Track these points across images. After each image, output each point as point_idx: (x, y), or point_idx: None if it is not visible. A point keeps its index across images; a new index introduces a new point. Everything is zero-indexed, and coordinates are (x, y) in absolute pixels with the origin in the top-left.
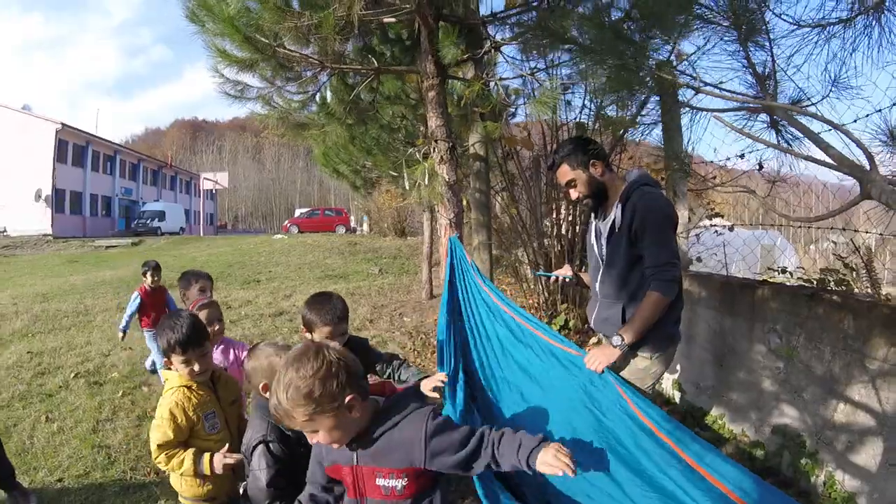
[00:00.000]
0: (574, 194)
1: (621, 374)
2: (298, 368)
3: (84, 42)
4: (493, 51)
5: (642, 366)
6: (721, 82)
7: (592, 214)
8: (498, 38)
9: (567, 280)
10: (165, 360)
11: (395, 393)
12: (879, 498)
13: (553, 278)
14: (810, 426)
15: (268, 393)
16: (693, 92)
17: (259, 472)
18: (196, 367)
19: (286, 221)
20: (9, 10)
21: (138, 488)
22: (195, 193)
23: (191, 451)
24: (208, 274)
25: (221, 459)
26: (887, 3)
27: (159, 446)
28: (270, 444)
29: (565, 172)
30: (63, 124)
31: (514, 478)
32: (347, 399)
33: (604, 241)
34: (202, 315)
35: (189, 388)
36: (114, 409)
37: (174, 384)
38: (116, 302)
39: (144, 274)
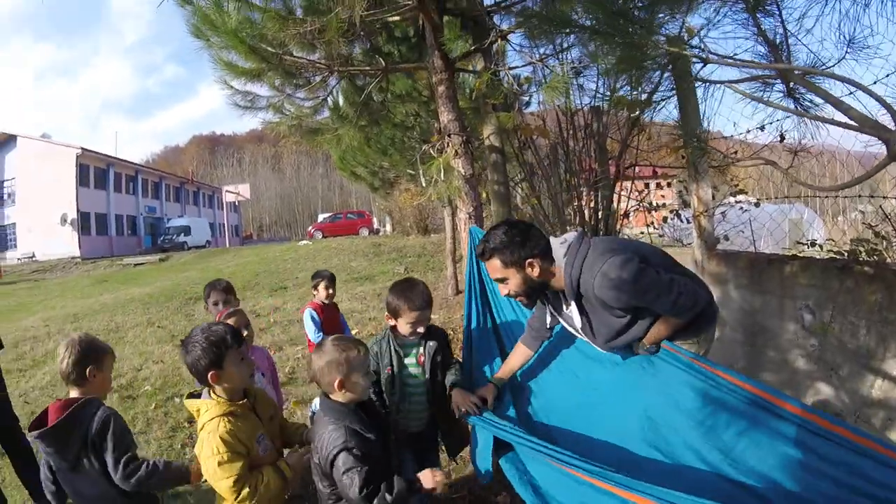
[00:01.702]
0: (504, 291)
1: None
2: None
3: (98, 65)
4: (500, 40)
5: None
6: (734, 55)
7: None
8: (504, 27)
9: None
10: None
11: None
12: None
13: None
14: (848, 404)
15: (343, 390)
16: (702, 64)
17: (349, 478)
18: (246, 367)
19: (310, 227)
20: (22, 39)
21: (171, 499)
22: (218, 206)
23: (267, 467)
24: (226, 285)
25: (299, 458)
26: None
27: (237, 481)
28: (353, 450)
29: (496, 268)
30: (83, 149)
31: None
32: None
33: (577, 327)
34: (230, 322)
35: (232, 414)
36: (147, 422)
37: (214, 413)
38: (146, 318)
39: (316, 287)
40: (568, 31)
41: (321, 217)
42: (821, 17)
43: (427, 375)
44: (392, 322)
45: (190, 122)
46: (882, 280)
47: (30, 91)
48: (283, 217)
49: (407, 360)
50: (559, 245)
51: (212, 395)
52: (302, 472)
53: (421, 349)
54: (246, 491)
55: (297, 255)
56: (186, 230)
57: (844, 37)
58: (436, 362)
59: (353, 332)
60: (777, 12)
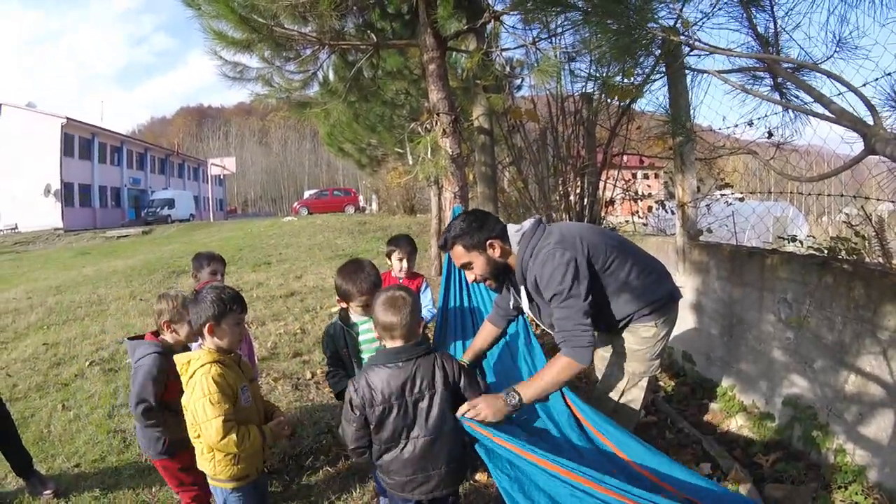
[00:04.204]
0: (471, 277)
1: (626, 346)
2: None
3: (86, 34)
4: (493, 21)
5: (649, 334)
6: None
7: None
8: (498, 7)
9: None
10: (197, 333)
11: None
12: (891, 472)
13: None
14: (821, 397)
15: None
16: (689, 50)
17: None
18: (240, 332)
19: (296, 203)
20: (10, 7)
21: (153, 470)
22: (203, 180)
23: (251, 425)
24: (221, 256)
25: (277, 424)
26: None
27: (225, 421)
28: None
29: (459, 254)
30: (68, 118)
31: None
32: None
33: (526, 308)
34: None
35: (221, 363)
36: (129, 395)
37: (205, 360)
38: (129, 290)
39: (389, 255)
40: (560, 9)
41: (307, 193)
42: (809, 13)
43: None
44: (343, 305)
45: (178, 93)
46: (860, 278)
47: (16, 59)
48: (268, 192)
49: (363, 337)
50: (514, 232)
51: (203, 347)
52: (279, 441)
53: None
54: (233, 436)
55: (282, 231)
56: (170, 203)
57: (833, 35)
58: None
59: (335, 309)
60: (769, 7)
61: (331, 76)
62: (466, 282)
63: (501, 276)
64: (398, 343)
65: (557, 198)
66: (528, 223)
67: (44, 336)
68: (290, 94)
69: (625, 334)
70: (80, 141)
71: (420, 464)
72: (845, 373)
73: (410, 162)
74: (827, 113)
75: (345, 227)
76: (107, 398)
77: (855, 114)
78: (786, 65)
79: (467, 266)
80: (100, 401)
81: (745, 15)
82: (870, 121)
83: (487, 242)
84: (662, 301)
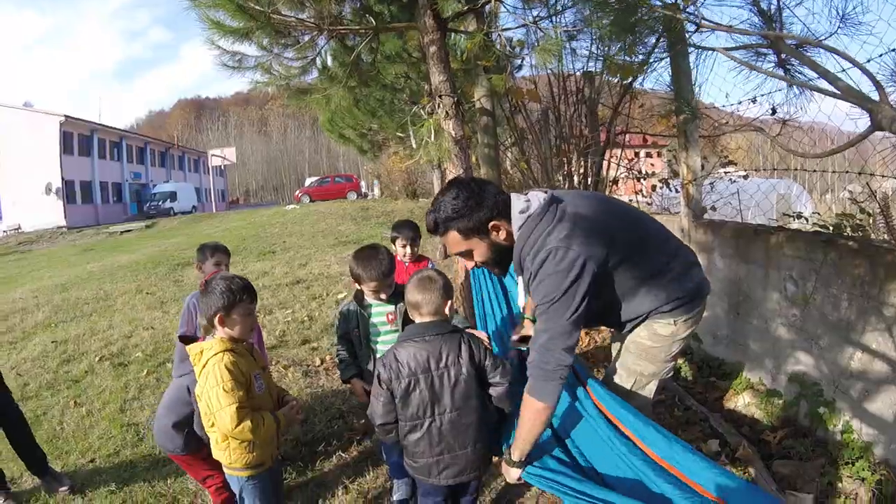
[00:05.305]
0: (470, 264)
1: (638, 340)
2: None
3: (82, 31)
4: (493, 1)
5: (667, 332)
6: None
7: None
8: None
9: None
10: (208, 324)
11: None
12: None
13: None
14: (827, 374)
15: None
16: (694, 29)
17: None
18: (251, 322)
19: (297, 191)
20: (5, 8)
21: (167, 462)
22: (204, 171)
23: (265, 412)
24: (226, 247)
25: (289, 410)
26: None
27: (239, 409)
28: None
29: (455, 241)
30: (66, 116)
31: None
32: None
33: (522, 294)
34: None
35: (233, 351)
36: (140, 388)
37: (217, 349)
38: (135, 285)
39: (394, 241)
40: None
41: (309, 181)
42: None
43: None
44: (357, 286)
45: (175, 86)
46: (865, 255)
47: (11, 60)
48: (269, 181)
49: (374, 320)
50: (518, 213)
51: (215, 336)
52: (293, 426)
53: (392, 308)
54: (248, 423)
55: (285, 220)
56: (172, 196)
57: (837, 11)
58: (409, 320)
59: (342, 296)
60: None
61: (329, 62)
62: (496, 291)
63: (502, 264)
64: (426, 319)
65: (561, 178)
66: (535, 202)
67: (52, 334)
68: (289, 82)
69: (637, 327)
70: (79, 138)
71: (447, 442)
72: (850, 350)
73: (414, 146)
74: (832, 89)
75: (347, 213)
76: (118, 392)
77: (860, 90)
78: (790, 41)
79: (466, 254)
80: (111, 395)
81: None
82: (875, 97)
83: (491, 224)
84: (687, 298)
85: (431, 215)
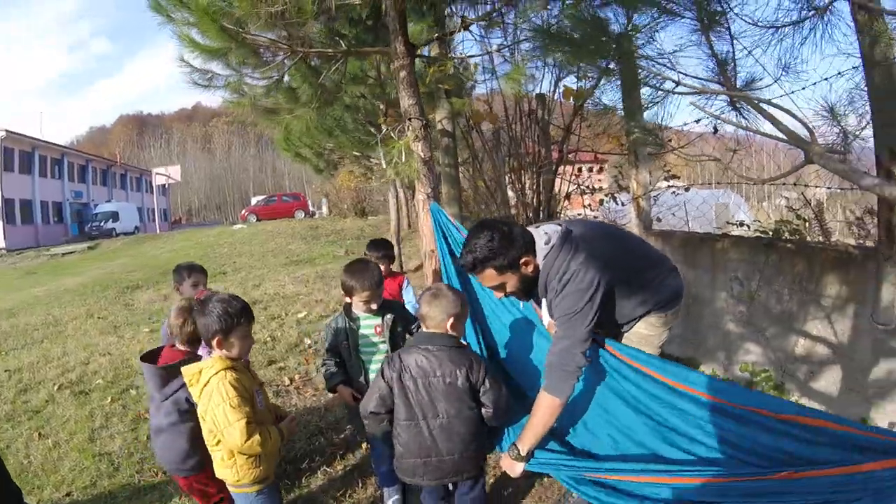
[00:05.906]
0: (499, 294)
1: (636, 331)
2: None
3: (20, 41)
4: (463, 30)
5: (659, 322)
6: (686, 68)
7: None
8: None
9: None
10: (208, 346)
11: None
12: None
13: None
14: (774, 361)
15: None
16: (648, 75)
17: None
18: (248, 342)
19: (244, 210)
20: None
21: (149, 490)
22: (147, 190)
23: (270, 426)
24: (201, 266)
25: (289, 422)
26: (830, 7)
27: (248, 423)
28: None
29: (490, 277)
30: (7, 131)
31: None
32: None
33: (545, 317)
34: None
35: (234, 368)
36: (106, 416)
37: (219, 367)
38: (85, 309)
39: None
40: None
41: (255, 200)
42: (767, 50)
43: (387, 345)
44: (348, 300)
45: (117, 100)
46: (803, 255)
47: None
48: (213, 200)
49: (363, 332)
50: (543, 245)
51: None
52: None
53: (379, 320)
54: (257, 437)
55: (234, 240)
56: (115, 216)
57: (783, 63)
58: (396, 331)
59: (301, 315)
60: (728, 36)
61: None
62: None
63: (530, 294)
64: (431, 331)
65: (513, 193)
66: (555, 235)
67: (3, 362)
68: (255, 102)
69: (634, 325)
70: (20, 154)
71: (435, 447)
72: (794, 337)
73: (385, 165)
74: (776, 133)
75: (296, 232)
76: (84, 422)
77: (795, 132)
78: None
79: (498, 287)
80: (77, 425)
81: (703, 39)
82: (808, 137)
83: (522, 262)
84: (672, 297)
85: (469, 256)
